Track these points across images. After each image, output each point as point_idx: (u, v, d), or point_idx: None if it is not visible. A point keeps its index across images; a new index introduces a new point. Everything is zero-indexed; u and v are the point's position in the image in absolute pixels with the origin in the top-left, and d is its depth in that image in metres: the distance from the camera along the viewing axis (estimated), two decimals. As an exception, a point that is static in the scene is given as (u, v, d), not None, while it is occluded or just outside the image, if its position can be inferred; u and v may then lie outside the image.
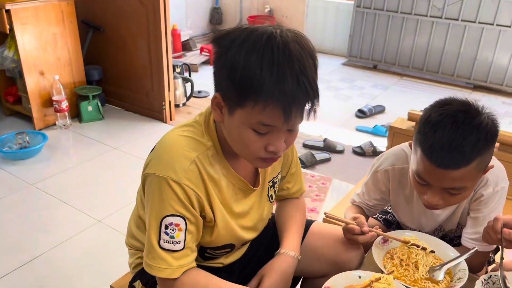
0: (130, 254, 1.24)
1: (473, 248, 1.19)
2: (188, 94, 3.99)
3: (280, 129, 0.91)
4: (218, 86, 0.93)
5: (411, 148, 1.20)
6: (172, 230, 0.95)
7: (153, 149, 1.03)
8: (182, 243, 0.97)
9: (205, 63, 5.17)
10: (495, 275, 1.12)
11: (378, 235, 1.23)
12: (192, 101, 4.05)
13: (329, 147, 3.22)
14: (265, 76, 0.83)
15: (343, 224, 1.25)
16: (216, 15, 6.32)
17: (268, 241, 1.29)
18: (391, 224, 1.56)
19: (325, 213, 1.39)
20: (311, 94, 0.88)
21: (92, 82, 3.69)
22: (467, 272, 1.12)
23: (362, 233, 1.20)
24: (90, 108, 3.49)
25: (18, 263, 2.05)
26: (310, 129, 3.60)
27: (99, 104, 3.53)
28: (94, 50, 3.77)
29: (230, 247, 1.15)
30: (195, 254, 1.02)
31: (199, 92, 4.26)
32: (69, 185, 2.69)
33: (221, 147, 1.02)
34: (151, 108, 3.64)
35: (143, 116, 3.69)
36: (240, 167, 1.07)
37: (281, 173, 1.25)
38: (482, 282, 1.08)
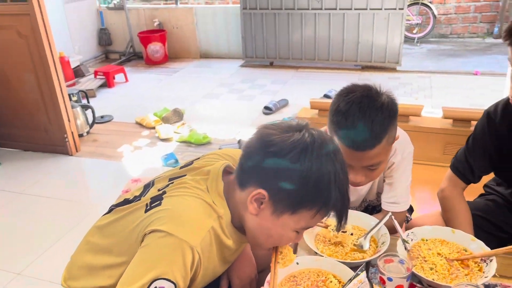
0: None
1: (388, 212, 1.32)
2: (90, 121, 3.81)
3: None
4: (267, 186, 0.92)
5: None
6: None
7: (158, 204, 0.97)
8: None
9: (102, 86, 4.97)
10: (411, 232, 1.26)
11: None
12: (96, 128, 3.87)
13: (244, 148, 3.29)
14: (334, 189, 0.92)
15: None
16: (104, 36, 6.09)
17: None
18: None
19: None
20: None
21: (-22, 128, 3.36)
22: (388, 235, 1.24)
23: None
24: (-18, 155, 3.18)
25: None
26: (222, 134, 3.65)
27: (-8, 149, 3.23)
28: (-26, 93, 3.43)
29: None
30: None
31: (102, 117, 4.08)
32: (-26, 244, 2.43)
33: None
34: (52, 143, 3.41)
35: (45, 153, 3.44)
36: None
37: None
38: (402, 240, 1.21)
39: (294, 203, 0.92)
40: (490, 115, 1.37)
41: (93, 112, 3.80)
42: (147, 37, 5.69)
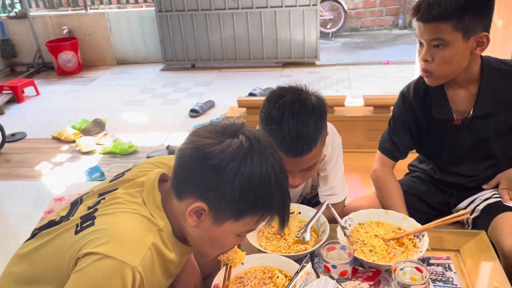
0: None
1: (324, 201, 1.34)
2: (0, 141, 3.48)
3: None
4: (206, 198, 0.87)
5: None
6: None
7: (90, 223, 0.88)
8: None
9: (10, 102, 4.57)
10: (349, 218, 1.29)
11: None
12: (7, 147, 3.54)
13: (174, 152, 3.21)
14: (276, 192, 0.89)
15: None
16: (7, 47, 5.61)
17: None
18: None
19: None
20: None
21: None
22: (327, 224, 1.27)
23: None
24: None
25: None
26: (149, 141, 3.52)
27: None
28: None
29: None
30: None
31: (13, 135, 3.75)
32: None
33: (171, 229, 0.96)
34: (-43, 168, 3.07)
35: (-51, 180, 3.09)
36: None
37: None
38: (341, 227, 1.24)
39: (237, 212, 0.89)
40: (404, 94, 1.47)
41: (2, 130, 3.48)
42: (56, 46, 5.33)
